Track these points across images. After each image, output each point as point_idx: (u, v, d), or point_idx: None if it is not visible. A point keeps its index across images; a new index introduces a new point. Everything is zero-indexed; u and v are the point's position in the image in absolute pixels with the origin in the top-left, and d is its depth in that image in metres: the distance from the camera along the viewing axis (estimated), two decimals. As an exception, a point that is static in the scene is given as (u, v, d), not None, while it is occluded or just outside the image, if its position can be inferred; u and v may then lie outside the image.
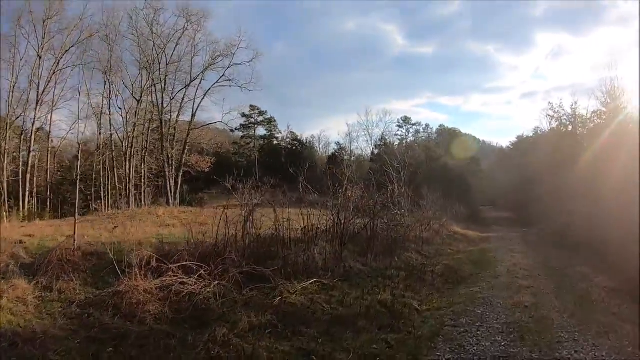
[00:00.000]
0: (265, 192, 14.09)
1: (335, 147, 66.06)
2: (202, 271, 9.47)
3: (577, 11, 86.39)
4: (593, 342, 7.93)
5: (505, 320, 9.21)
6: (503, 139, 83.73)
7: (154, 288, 8.65)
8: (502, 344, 7.87)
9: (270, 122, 67.25)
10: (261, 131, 67.13)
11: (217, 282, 9.27)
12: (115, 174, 38.13)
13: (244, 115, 61.82)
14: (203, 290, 8.97)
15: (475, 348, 7.68)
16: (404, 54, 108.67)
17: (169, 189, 40.78)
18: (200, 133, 43.99)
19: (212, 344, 6.75)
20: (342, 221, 13.69)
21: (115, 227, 16.65)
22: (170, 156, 41.52)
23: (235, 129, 61.60)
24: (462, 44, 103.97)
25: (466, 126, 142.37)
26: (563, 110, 34.23)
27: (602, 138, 26.47)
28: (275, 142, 67.40)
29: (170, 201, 39.76)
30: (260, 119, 66.38)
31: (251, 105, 62.09)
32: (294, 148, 65.52)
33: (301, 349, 7.08)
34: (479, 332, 8.49)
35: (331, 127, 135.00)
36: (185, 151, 42.67)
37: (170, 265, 9.35)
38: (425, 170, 51.13)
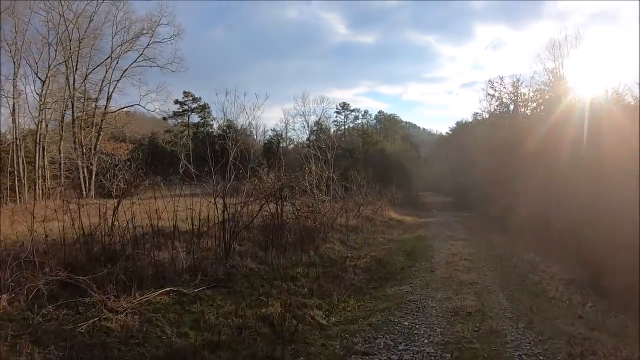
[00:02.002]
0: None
1: (271, 134, 62.96)
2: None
3: (515, 5, 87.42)
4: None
5: (441, 339, 6.49)
6: (443, 127, 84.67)
7: None
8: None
9: (203, 108, 63.46)
10: (195, 119, 63.21)
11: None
12: (31, 164, 33.51)
13: (177, 102, 58.90)
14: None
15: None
16: (344, 43, 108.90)
17: (81, 179, 36.46)
18: (115, 117, 39.61)
19: None
20: (228, 208, 10.56)
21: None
22: (83, 143, 37.17)
23: (168, 117, 57.83)
24: (402, 34, 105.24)
25: (406, 114, 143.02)
26: (504, 88, 32.28)
27: (548, 118, 24.58)
28: (209, 130, 63.57)
29: (84, 192, 35.50)
30: (194, 105, 62.61)
31: (184, 91, 58.61)
32: (228, 136, 61.87)
33: None
34: (401, 362, 5.80)
35: (270, 115, 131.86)
36: (100, 137, 38.28)
37: None
38: (362, 155, 49.35)
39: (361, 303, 8.54)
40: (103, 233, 9.15)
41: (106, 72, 37.86)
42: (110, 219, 9.61)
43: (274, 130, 61.75)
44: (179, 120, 62.25)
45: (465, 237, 19.29)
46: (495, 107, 33.73)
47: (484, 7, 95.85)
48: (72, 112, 37.09)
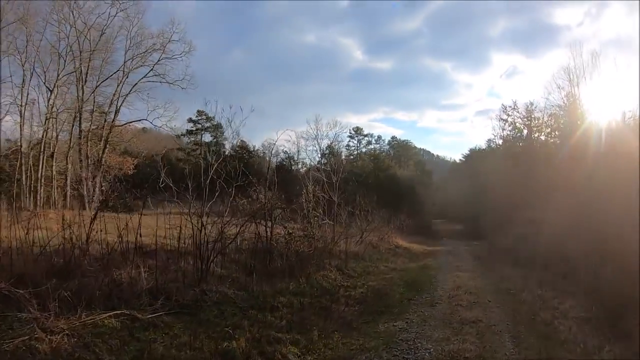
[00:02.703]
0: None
1: (283, 156, 62.21)
2: None
3: (531, 33, 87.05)
4: None
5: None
6: (457, 154, 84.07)
7: None
8: None
9: (217, 128, 63.00)
10: (208, 138, 62.70)
11: None
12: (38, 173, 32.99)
13: (190, 120, 58.53)
14: None
15: None
16: (362, 68, 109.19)
17: (85, 191, 35.80)
18: (121, 131, 39.04)
19: None
20: (204, 227, 9.66)
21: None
22: (88, 155, 36.67)
23: (182, 135, 57.52)
24: (419, 61, 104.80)
25: (421, 141, 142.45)
26: (518, 112, 31.23)
27: (564, 143, 23.53)
28: (221, 150, 62.99)
29: (86, 205, 34.82)
30: (208, 124, 62.23)
31: (198, 110, 58.10)
32: (241, 156, 61.44)
33: None
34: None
35: (286, 138, 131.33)
36: (106, 150, 37.76)
37: None
38: (372, 180, 48.43)
39: (347, 340, 7.55)
40: (64, 246, 8.28)
41: (117, 86, 37.41)
42: (78, 231, 8.79)
43: (285, 152, 61.09)
44: (192, 139, 61.79)
45: (472, 268, 18.16)
46: (509, 132, 32.55)
47: (501, 35, 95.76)
48: (79, 124, 36.61)
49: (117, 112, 38.30)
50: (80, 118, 36.25)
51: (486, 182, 37.70)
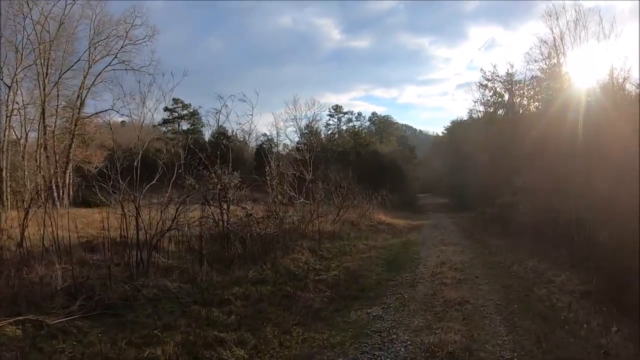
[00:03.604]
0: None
1: (263, 139, 60.68)
2: None
3: (507, 4, 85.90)
4: None
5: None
6: (440, 129, 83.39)
7: None
8: None
9: (193, 114, 61.28)
10: (185, 126, 60.96)
11: None
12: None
13: (166, 109, 56.02)
14: None
15: None
16: (339, 48, 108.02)
17: (54, 188, 34.19)
18: (86, 124, 37.26)
19: None
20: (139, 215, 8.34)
21: None
22: (55, 151, 34.94)
23: (158, 124, 55.42)
24: (397, 37, 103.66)
25: (403, 117, 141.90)
26: (498, 77, 29.86)
27: (547, 106, 22.39)
28: (197, 137, 61.34)
29: (57, 202, 33.25)
30: (184, 112, 60.47)
31: (174, 99, 56.25)
32: (219, 141, 59.79)
33: None
34: None
35: (264, 121, 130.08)
36: (73, 145, 36.01)
37: None
38: (354, 157, 47.27)
39: (310, 334, 6.33)
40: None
41: (83, 77, 35.59)
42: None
43: (265, 135, 59.71)
44: (169, 128, 60.07)
45: (458, 241, 16.94)
46: (489, 97, 31.18)
47: (477, 8, 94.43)
48: (43, 119, 34.85)
49: (82, 104, 36.41)
50: (43, 113, 34.45)
51: (469, 152, 36.78)
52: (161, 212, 8.87)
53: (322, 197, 19.56)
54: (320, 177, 20.27)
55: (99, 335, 5.71)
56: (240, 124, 57.37)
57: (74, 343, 5.46)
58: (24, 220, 8.39)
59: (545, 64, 24.43)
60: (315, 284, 9.14)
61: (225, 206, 10.40)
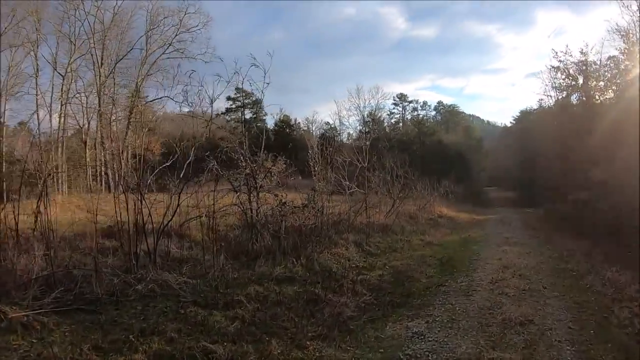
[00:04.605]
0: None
1: (325, 128, 59.89)
2: None
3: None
4: None
5: None
6: (508, 119, 79.69)
7: None
8: None
9: (256, 103, 61.33)
10: (248, 115, 61.16)
11: None
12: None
13: (229, 98, 56.39)
14: None
15: None
16: (404, 37, 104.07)
17: (110, 174, 34.75)
18: (143, 111, 37.58)
19: None
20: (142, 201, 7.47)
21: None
22: (112, 138, 35.39)
23: (222, 114, 55.91)
24: (463, 25, 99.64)
25: (470, 108, 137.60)
26: (571, 57, 27.02)
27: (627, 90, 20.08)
28: (259, 125, 61.45)
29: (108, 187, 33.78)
30: (247, 101, 60.66)
31: (237, 88, 56.58)
32: (282, 130, 59.62)
33: None
34: None
35: (328, 111, 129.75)
36: (129, 132, 36.36)
37: None
38: (418, 146, 45.72)
39: (329, 352, 5.25)
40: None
41: (142, 66, 35.93)
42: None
43: (328, 123, 59.03)
44: (232, 117, 60.44)
45: (525, 240, 15.22)
46: (562, 81, 28.34)
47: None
48: (99, 106, 35.41)
49: (137, 90, 36.74)
50: (100, 101, 35.00)
51: (539, 143, 34.36)
52: (171, 197, 7.99)
53: (379, 186, 18.38)
54: (378, 166, 19.07)
55: (65, 334, 4.89)
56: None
57: (34, 341, 4.74)
58: (37, 207, 7.66)
59: (624, 42, 21.89)
60: (354, 285, 8.03)
61: (254, 193, 9.40)
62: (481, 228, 19.80)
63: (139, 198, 7.69)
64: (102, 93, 34.98)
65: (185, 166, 8.67)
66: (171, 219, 8.35)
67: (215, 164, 9.07)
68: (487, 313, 6.95)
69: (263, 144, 10.62)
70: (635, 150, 14.88)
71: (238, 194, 9.49)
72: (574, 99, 27.82)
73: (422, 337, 5.95)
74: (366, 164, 18.02)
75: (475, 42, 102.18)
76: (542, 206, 29.31)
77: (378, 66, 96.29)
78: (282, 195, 10.11)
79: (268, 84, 10.60)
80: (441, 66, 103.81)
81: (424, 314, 6.97)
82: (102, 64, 34.28)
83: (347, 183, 15.26)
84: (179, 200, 8.28)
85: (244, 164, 9.55)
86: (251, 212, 9.38)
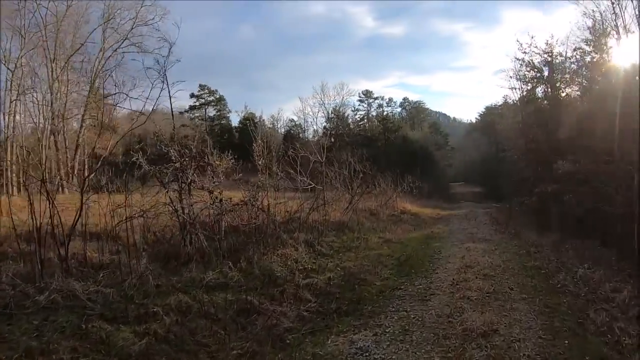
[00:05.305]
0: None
1: (290, 125, 58.99)
2: None
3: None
4: None
5: None
6: (475, 116, 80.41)
7: None
8: None
9: (219, 100, 60.23)
10: (211, 112, 60.12)
11: None
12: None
13: (192, 95, 56.21)
14: None
15: None
16: (373, 35, 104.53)
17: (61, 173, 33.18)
18: (98, 106, 36.03)
19: None
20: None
21: None
22: (65, 137, 33.85)
23: (185, 111, 55.50)
24: (432, 24, 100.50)
25: (437, 105, 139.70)
26: (535, 48, 26.48)
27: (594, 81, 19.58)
28: (224, 122, 60.30)
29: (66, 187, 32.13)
30: (211, 98, 59.52)
31: (200, 85, 55.99)
32: (246, 127, 58.57)
33: None
34: None
35: (293, 108, 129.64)
36: (83, 130, 34.83)
37: None
38: (382, 142, 45.31)
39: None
40: None
41: (98, 62, 34.33)
42: None
43: (292, 121, 58.40)
44: (196, 114, 59.22)
45: (490, 236, 14.40)
46: (526, 72, 27.84)
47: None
48: (50, 104, 33.71)
49: (91, 87, 35.22)
50: (51, 97, 33.34)
51: (504, 137, 34.18)
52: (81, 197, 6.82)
53: (339, 182, 17.47)
54: (336, 161, 18.16)
55: None
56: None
57: None
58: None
59: (590, 33, 21.44)
60: (297, 291, 7.01)
61: (185, 190, 8.27)
62: (446, 223, 19.05)
63: (50, 200, 6.54)
64: (54, 88, 33.31)
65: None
66: (76, 220, 7.15)
67: (140, 158, 7.92)
68: (446, 322, 5.97)
69: (210, 142, 9.50)
70: (601, 142, 14.29)
71: (167, 191, 8.33)
72: (539, 91, 27.37)
73: (367, 353, 5.00)
74: (323, 159, 17.12)
75: (442, 40, 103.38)
76: (509, 200, 28.89)
77: (346, 64, 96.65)
78: (218, 192, 8.96)
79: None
80: (409, 64, 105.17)
81: (374, 323, 5.99)
82: (54, 58, 32.62)
83: (301, 178, 14.26)
84: (82, 199, 7.07)
85: (173, 158, 8.40)
86: (182, 211, 8.24)
